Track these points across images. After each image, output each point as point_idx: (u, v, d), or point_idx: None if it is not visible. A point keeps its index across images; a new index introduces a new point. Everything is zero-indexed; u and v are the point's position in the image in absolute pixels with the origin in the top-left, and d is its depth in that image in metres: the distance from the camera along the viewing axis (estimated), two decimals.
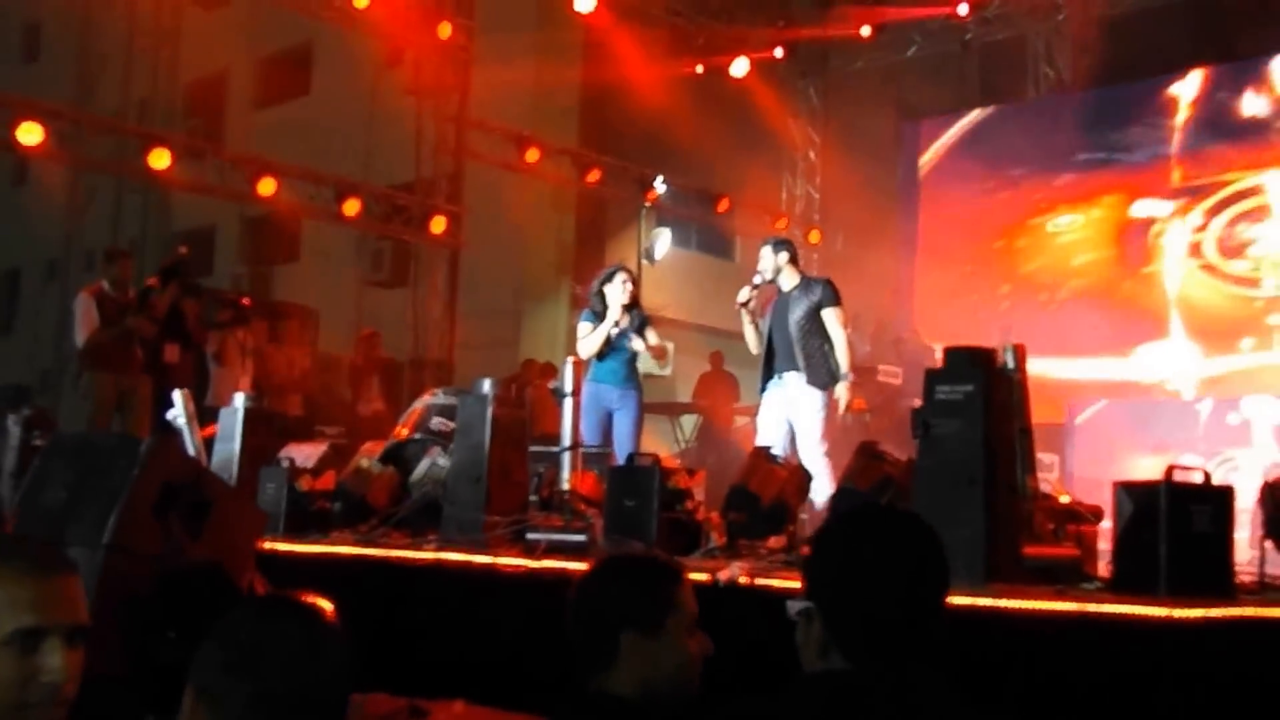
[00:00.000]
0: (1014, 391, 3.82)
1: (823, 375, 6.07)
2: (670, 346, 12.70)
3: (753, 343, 6.33)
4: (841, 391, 6.09)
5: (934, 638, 1.70)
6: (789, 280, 6.21)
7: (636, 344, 6.45)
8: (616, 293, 6.41)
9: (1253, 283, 10.55)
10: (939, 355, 3.94)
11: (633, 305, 6.47)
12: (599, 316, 6.46)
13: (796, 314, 6.09)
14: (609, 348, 6.40)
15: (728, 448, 10.63)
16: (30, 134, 8.55)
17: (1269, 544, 3.91)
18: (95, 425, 7.00)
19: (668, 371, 12.75)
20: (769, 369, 6.19)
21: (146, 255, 14.73)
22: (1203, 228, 10.88)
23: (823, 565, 1.75)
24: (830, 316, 6.10)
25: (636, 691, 2.00)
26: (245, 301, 9.41)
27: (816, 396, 6.02)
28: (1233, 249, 10.69)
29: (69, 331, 9.51)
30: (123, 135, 10.78)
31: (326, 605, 1.59)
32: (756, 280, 6.23)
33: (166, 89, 16.66)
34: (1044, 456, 7.37)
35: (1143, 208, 11.27)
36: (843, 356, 6.09)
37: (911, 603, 1.69)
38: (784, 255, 6.23)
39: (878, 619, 1.67)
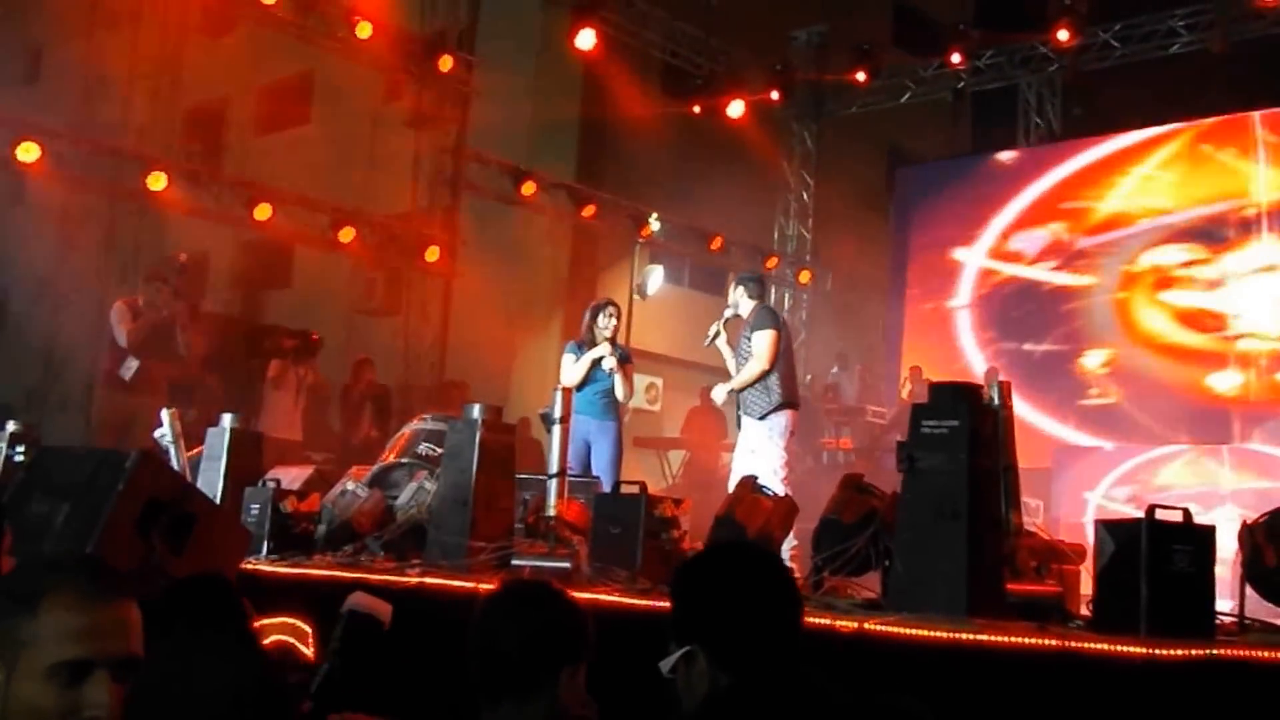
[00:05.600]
0: (1000, 427, 3.84)
1: (760, 405, 5.94)
2: (659, 382, 12.80)
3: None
4: (717, 392, 6.09)
5: (801, 646, 1.90)
6: (746, 312, 6.26)
7: (608, 362, 6.49)
8: (603, 325, 6.55)
9: None
10: None
11: (614, 340, 6.61)
12: (583, 347, 6.57)
13: (741, 346, 6.13)
14: (586, 379, 6.49)
15: (715, 484, 10.60)
16: (28, 153, 8.61)
17: (1248, 586, 3.91)
18: (94, 445, 6.96)
19: (657, 407, 12.77)
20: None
21: (138, 279, 14.72)
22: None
23: (695, 607, 1.93)
24: (756, 339, 6.00)
25: None
26: (314, 337, 8.97)
27: (758, 429, 5.94)
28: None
29: (57, 350, 9.46)
30: (120, 157, 10.81)
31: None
32: (726, 314, 6.30)
33: (166, 114, 16.72)
34: (1029, 500, 7.35)
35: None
36: (743, 374, 5.95)
37: (780, 620, 1.88)
38: (740, 289, 6.27)
39: (755, 639, 1.84)
